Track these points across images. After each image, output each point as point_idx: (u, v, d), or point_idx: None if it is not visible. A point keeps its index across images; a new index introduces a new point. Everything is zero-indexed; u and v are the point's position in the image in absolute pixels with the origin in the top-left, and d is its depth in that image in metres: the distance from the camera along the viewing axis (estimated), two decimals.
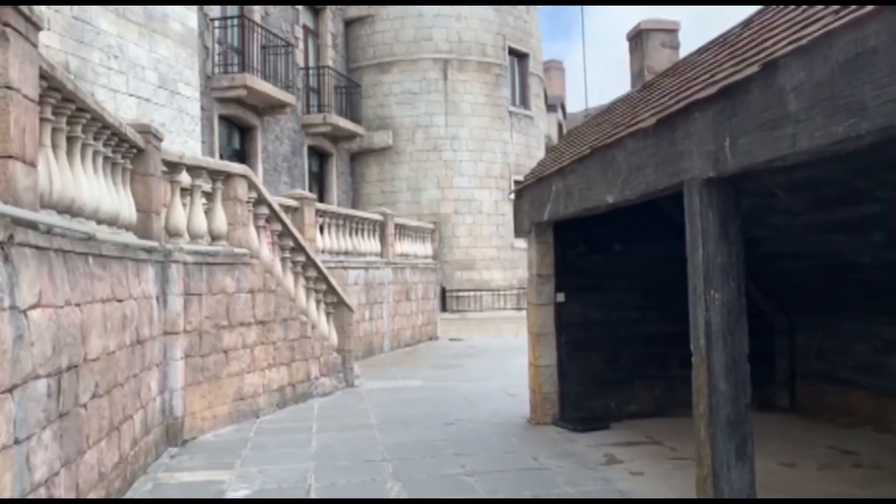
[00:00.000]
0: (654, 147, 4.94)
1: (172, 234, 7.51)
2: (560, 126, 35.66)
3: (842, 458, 6.32)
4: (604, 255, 8.21)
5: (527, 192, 8.09)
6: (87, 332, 4.78)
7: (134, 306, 6.04)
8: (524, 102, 22.20)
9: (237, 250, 8.44)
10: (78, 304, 4.63)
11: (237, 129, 16.19)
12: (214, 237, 8.26)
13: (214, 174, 8.28)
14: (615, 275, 8.21)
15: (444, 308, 19.58)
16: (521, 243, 22.50)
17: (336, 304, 10.99)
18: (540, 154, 23.50)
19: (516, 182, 22.28)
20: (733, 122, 4.02)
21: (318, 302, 10.60)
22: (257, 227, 9.21)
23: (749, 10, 6.04)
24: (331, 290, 10.83)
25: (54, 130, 4.62)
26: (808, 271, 7.30)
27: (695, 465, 4.59)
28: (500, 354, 14.76)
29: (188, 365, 7.47)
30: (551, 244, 8.03)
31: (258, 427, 8.17)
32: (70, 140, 4.92)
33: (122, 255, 5.71)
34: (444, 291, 19.74)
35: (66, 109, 4.72)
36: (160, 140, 7.13)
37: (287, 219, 9.81)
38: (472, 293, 19.91)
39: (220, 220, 8.31)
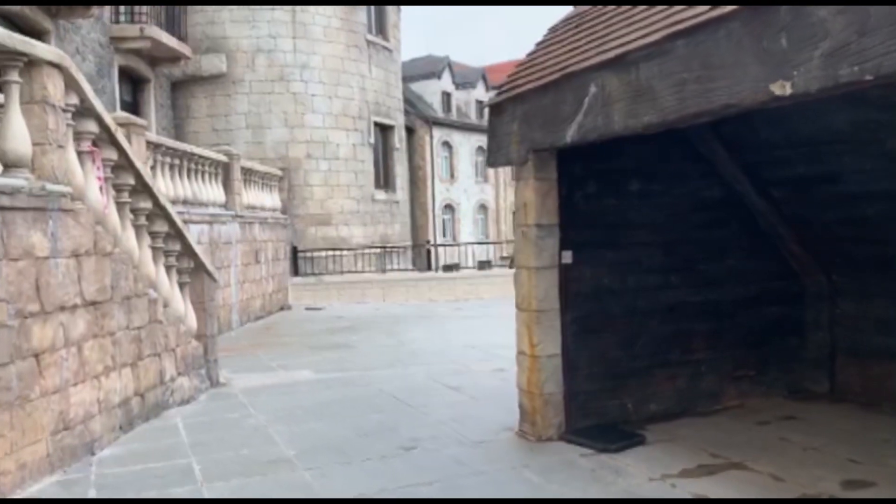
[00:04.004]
0: None
1: None
2: None
3: None
4: (619, 197, 5.86)
5: (519, 104, 5.49)
6: None
7: None
8: (382, 32, 19.23)
9: (51, 187, 5.11)
10: None
11: (22, 34, 11.88)
12: (9, 165, 4.92)
13: (7, 57, 4.88)
14: (631, 225, 5.91)
15: (295, 271, 16.46)
16: (383, 195, 19.76)
17: (193, 271, 7.78)
18: (399, 94, 20.71)
19: (377, 124, 19.48)
20: None
21: (168, 268, 7.34)
22: (80, 153, 5.86)
23: None
24: (187, 251, 7.60)
25: None
26: None
27: None
28: (385, 327, 12.14)
29: None
30: (555, 182, 5.54)
31: (98, 474, 5.02)
32: None
33: None
34: (295, 251, 16.60)
35: None
36: None
37: (126, 142, 6.45)
38: (328, 253, 16.91)
39: (20, 137, 4.95)
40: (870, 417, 5.81)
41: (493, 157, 5.90)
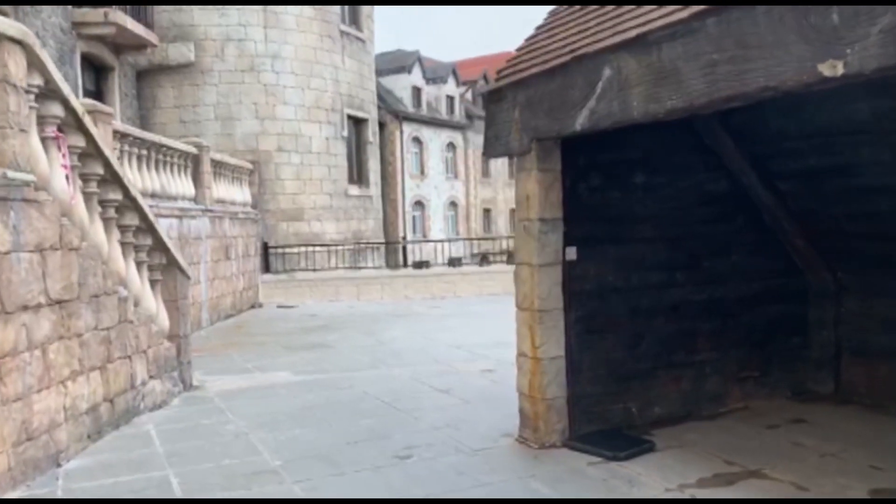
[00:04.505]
0: None
1: None
2: None
3: None
4: (623, 190, 5.57)
5: (521, 90, 5.15)
6: None
7: None
8: (356, 22, 18.74)
9: (13, 175, 4.66)
10: None
11: None
12: None
13: None
14: (636, 219, 5.62)
15: (266, 268, 15.95)
16: (356, 190, 19.27)
17: (165, 268, 7.32)
18: (373, 86, 20.24)
19: (350, 116, 18.99)
20: None
21: (139, 264, 6.88)
22: (45, 139, 5.39)
23: None
24: (159, 245, 7.15)
25: None
26: None
27: None
28: (362, 325, 11.75)
29: None
30: (559, 173, 5.22)
31: (66, 489, 4.59)
32: None
33: None
34: (266, 247, 16.08)
35: None
36: None
37: (94, 127, 5.98)
38: (300, 249, 16.42)
39: None
40: (880, 420, 5.61)
41: (490, 146, 5.56)
